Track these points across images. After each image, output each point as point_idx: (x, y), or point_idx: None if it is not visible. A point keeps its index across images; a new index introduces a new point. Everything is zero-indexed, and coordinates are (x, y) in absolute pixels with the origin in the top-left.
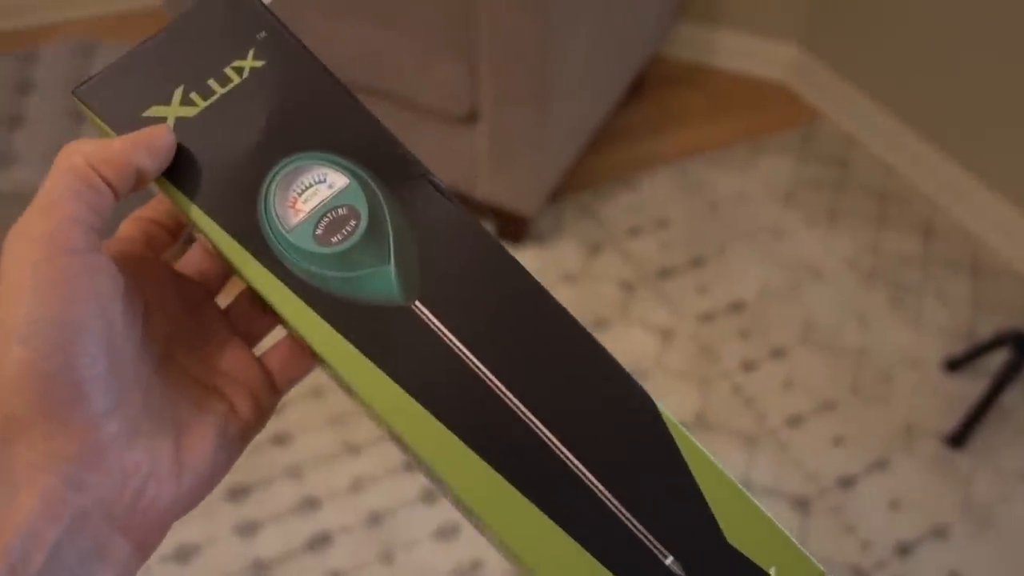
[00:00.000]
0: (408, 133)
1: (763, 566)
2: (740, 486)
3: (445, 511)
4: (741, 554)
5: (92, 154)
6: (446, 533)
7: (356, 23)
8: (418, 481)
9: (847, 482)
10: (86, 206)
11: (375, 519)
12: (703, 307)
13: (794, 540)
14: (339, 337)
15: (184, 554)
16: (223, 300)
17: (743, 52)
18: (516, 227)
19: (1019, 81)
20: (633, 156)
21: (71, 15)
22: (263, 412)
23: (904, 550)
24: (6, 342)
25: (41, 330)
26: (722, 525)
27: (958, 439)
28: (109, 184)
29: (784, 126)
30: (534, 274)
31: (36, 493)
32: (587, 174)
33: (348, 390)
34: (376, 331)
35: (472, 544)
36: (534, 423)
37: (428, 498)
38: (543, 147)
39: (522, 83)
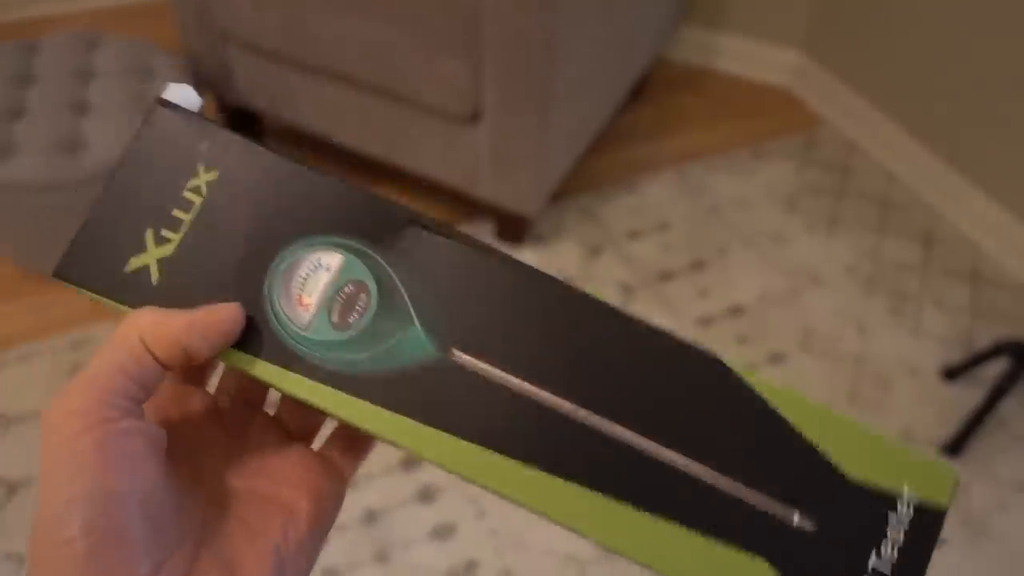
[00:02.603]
0: (410, 132)
1: (893, 488)
2: (842, 415)
3: (441, 511)
4: (867, 484)
5: (148, 330)
6: (441, 533)
7: (362, 20)
8: (415, 480)
9: None
10: (130, 380)
11: (370, 517)
12: (702, 311)
13: (913, 448)
14: (396, 416)
15: None
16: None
17: (746, 57)
18: (516, 228)
19: (1021, 90)
20: (635, 159)
21: (72, 7)
22: (330, 503)
23: None
24: (49, 525)
25: (77, 508)
26: (837, 461)
27: (955, 448)
28: (159, 360)
29: (786, 131)
30: None
31: None
32: (588, 176)
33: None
34: (427, 394)
35: (467, 544)
36: (616, 430)
37: (424, 497)
38: (545, 148)
39: (526, 84)
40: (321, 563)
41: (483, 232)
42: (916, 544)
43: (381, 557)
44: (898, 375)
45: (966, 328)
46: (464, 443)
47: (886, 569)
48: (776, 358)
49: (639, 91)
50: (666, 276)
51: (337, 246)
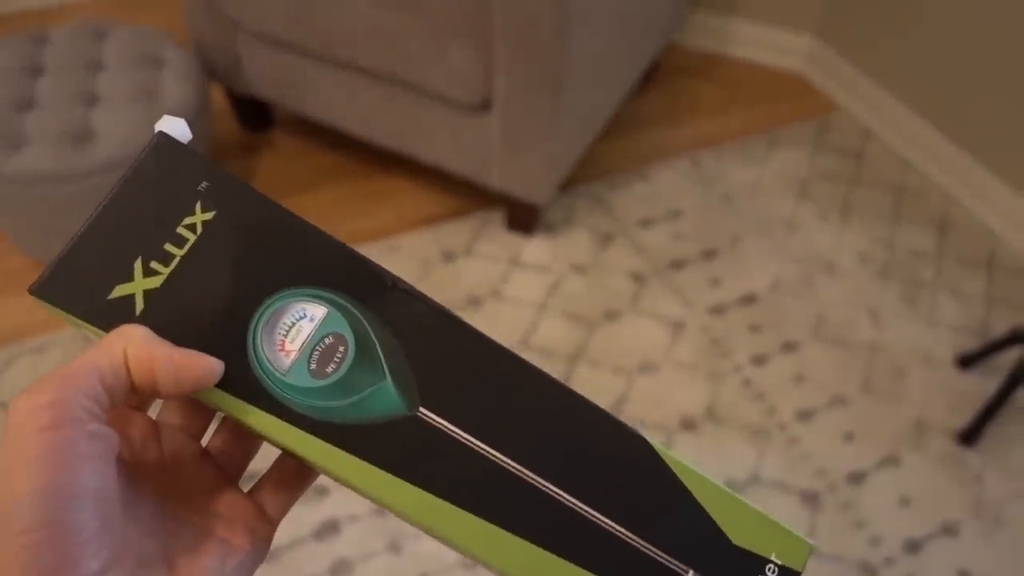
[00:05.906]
0: (421, 121)
1: (765, 555)
2: (730, 491)
3: None
4: (746, 550)
5: (132, 349)
6: None
7: (371, 7)
8: None
9: (857, 478)
10: (102, 386)
11: (383, 508)
12: (714, 300)
13: (783, 523)
14: (362, 463)
15: None
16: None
17: (759, 42)
18: (527, 217)
19: None
20: (646, 146)
21: None
22: (262, 542)
23: (913, 547)
24: (4, 516)
25: (33, 502)
26: (725, 530)
27: (969, 436)
28: (131, 378)
29: (799, 117)
30: (544, 264)
31: None
32: (599, 164)
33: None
34: (393, 447)
35: None
36: (554, 491)
37: None
38: (555, 136)
39: (536, 71)
40: (334, 553)
41: (494, 221)
42: None
43: (393, 547)
44: (912, 364)
45: (981, 316)
46: (420, 492)
47: None
48: (789, 347)
49: (650, 77)
50: (678, 265)
51: (322, 299)
